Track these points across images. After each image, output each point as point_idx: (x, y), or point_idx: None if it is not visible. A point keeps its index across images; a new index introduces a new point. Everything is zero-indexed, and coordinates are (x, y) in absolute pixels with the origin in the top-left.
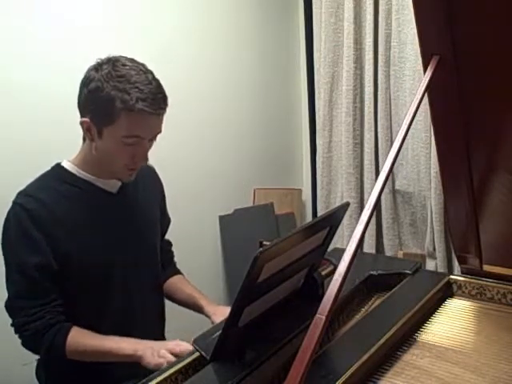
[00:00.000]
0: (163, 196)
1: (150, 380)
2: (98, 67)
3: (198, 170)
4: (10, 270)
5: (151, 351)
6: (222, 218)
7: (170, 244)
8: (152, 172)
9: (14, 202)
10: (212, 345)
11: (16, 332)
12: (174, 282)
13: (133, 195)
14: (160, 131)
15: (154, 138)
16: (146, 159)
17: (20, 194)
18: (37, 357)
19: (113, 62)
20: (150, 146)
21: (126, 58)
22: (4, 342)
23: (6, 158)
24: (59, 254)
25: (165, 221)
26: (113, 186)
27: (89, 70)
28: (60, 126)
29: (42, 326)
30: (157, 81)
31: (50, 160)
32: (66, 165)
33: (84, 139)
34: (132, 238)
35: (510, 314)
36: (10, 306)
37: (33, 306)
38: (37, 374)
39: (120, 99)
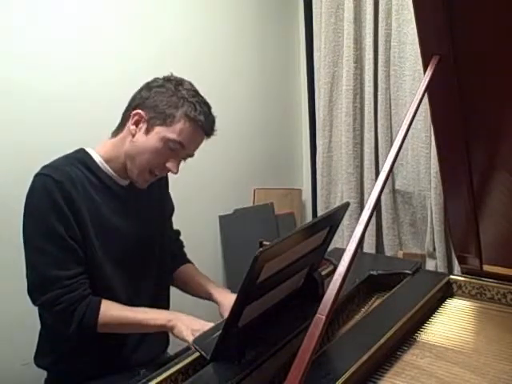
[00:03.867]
0: (167, 184)
1: (150, 380)
2: (167, 78)
3: (197, 169)
4: (39, 240)
5: (186, 325)
6: (222, 217)
7: (178, 233)
8: None
9: (41, 174)
10: (212, 345)
11: (44, 308)
12: (184, 271)
13: (141, 189)
14: (193, 155)
15: (187, 157)
16: (176, 171)
17: (46, 166)
18: None
19: (180, 79)
20: (180, 161)
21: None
22: (4, 342)
23: (6, 158)
24: (80, 227)
25: (170, 208)
26: (124, 179)
27: (156, 78)
28: (60, 126)
29: (75, 298)
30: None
31: (50, 160)
32: (91, 153)
33: (115, 134)
34: (140, 229)
35: (510, 314)
36: (40, 280)
37: (67, 276)
38: (36, 359)
39: (187, 107)
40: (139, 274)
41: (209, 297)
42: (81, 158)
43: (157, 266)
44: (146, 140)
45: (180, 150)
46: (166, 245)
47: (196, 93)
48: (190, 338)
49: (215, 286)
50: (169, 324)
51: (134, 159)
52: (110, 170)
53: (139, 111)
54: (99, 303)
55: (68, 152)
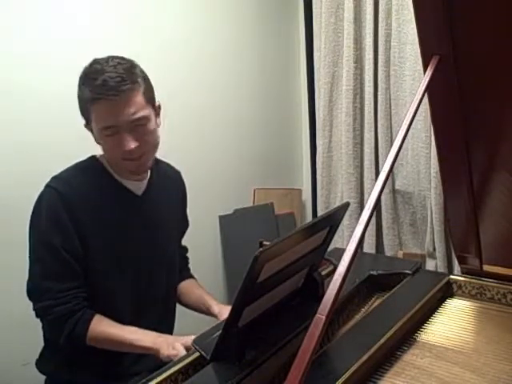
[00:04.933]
0: (185, 200)
1: (150, 380)
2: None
3: (197, 170)
4: (38, 251)
5: (167, 344)
6: (222, 217)
7: (186, 250)
8: (178, 176)
9: (49, 186)
10: (212, 345)
11: (38, 316)
12: (185, 285)
13: (157, 199)
14: (134, 113)
15: (138, 122)
16: (130, 146)
17: (55, 178)
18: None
19: (90, 63)
20: (146, 133)
21: (106, 57)
22: (4, 342)
23: (6, 158)
24: (83, 239)
25: (184, 225)
26: (138, 188)
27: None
28: (60, 126)
29: (66, 310)
30: (123, 64)
31: (50, 160)
32: (102, 160)
33: None
34: (151, 239)
35: (511, 314)
36: (35, 288)
37: (60, 289)
38: (37, 364)
39: (85, 95)
40: (147, 286)
41: (207, 310)
42: (92, 166)
43: (166, 280)
44: (101, 144)
45: (116, 128)
46: (176, 259)
47: (95, 68)
48: (172, 352)
49: (215, 301)
50: (154, 347)
51: (109, 162)
52: (117, 176)
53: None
54: (91, 317)
55: (67, 151)
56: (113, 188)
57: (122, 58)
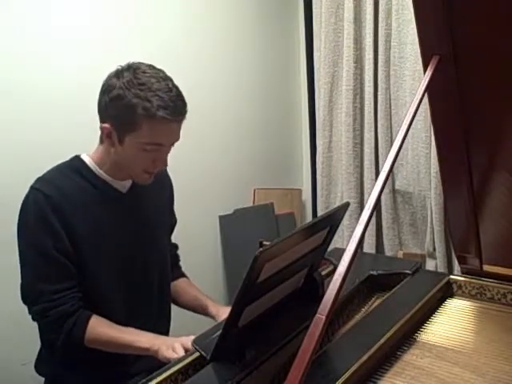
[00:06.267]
0: (172, 196)
1: (150, 380)
2: (118, 74)
3: (197, 169)
4: (29, 254)
5: (166, 345)
6: (222, 217)
7: (176, 247)
8: (163, 171)
9: (34, 188)
10: (212, 345)
11: (34, 319)
12: (178, 284)
13: (142, 195)
14: (178, 138)
15: (173, 144)
16: (165, 164)
17: (39, 179)
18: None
19: (133, 69)
20: (168, 152)
21: (146, 65)
22: (4, 342)
23: (6, 158)
24: (72, 240)
25: (172, 221)
26: (123, 185)
27: (109, 77)
28: (60, 126)
29: (62, 312)
30: (176, 88)
31: (50, 160)
32: (86, 159)
33: (101, 140)
34: (141, 237)
35: (510, 314)
36: (29, 291)
37: (55, 291)
38: (36, 367)
39: (142, 107)
40: (140, 285)
41: (204, 310)
42: (76, 167)
43: (158, 277)
44: (123, 150)
45: (160, 147)
46: (167, 255)
47: (149, 81)
48: (172, 355)
49: (211, 301)
50: (153, 348)
51: (124, 168)
52: (105, 175)
53: (105, 125)
54: (88, 318)
55: (66, 151)
56: (98, 187)
57: (164, 72)
